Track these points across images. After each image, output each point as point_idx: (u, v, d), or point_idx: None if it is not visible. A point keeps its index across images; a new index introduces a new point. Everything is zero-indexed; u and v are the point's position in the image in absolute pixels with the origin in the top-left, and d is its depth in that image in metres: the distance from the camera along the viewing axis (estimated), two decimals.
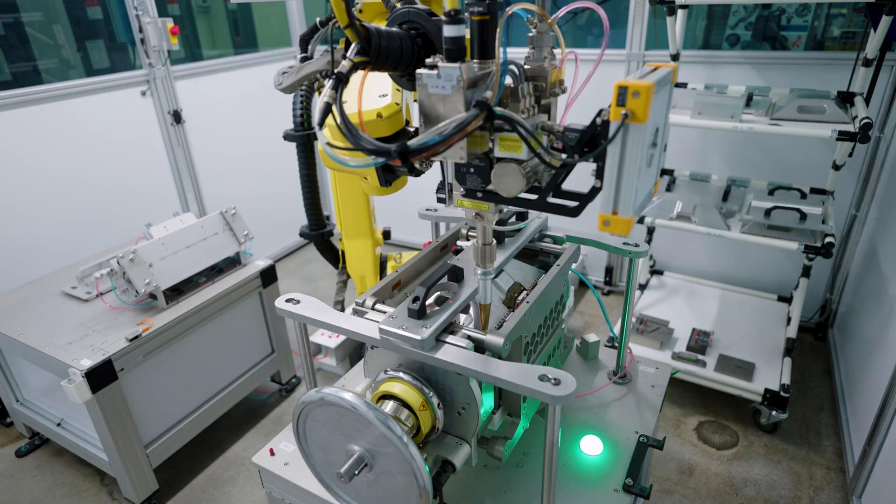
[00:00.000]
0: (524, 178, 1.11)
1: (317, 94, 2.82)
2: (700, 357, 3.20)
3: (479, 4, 1.02)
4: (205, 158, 4.24)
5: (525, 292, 1.57)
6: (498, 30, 1.04)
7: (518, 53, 1.31)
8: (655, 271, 4.14)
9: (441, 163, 1.30)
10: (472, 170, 1.16)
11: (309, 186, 3.07)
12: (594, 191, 1.05)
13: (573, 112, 1.27)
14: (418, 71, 1.04)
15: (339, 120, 1.00)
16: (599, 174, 1.01)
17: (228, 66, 4.32)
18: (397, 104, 1.43)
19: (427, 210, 1.93)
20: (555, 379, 1.16)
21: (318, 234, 3.19)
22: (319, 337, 3.64)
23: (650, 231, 3.90)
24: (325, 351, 3.66)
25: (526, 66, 1.21)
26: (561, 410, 1.68)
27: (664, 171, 3.71)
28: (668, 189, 3.47)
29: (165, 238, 2.76)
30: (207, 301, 2.82)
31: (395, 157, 0.98)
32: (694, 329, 3.43)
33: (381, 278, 2.76)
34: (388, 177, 1.45)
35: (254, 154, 4.65)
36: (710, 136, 3.71)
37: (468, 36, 1.05)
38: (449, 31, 1.01)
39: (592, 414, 1.70)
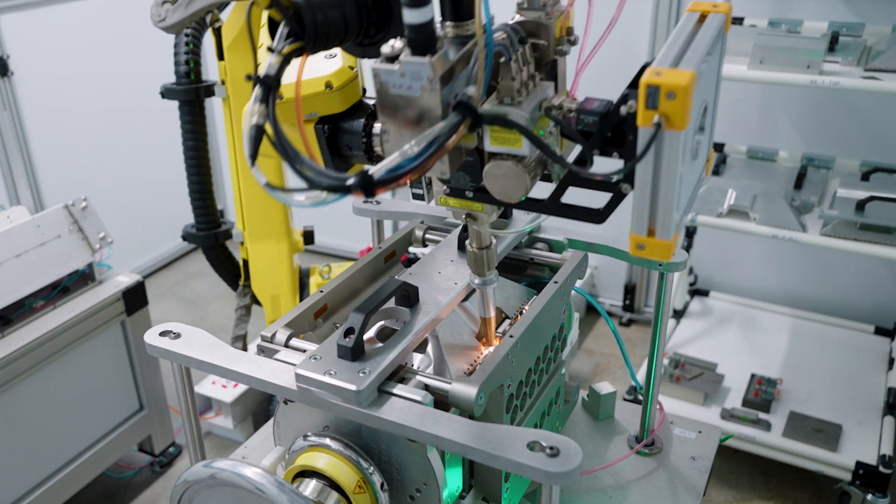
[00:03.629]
0: (528, 179, 1.13)
1: (210, 30, 2.83)
2: (762, 416, 3.25)
3: None
4: (43, 127, 4.19)
5: (508, 322, 1.57)
6: None
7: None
8: (697, 291, 4.19)
9: None
10: None
11: (197, 166, 3.06)
12: (619, 195, 1.08)
13: (591, 69, 1.29)
14: (373, 66, 1.05)
15: (279, 149, 1.00)
16: (629, 177, 1.04)
17: None
18: (352, 67, 1.43)
19: (366, 202, 1.93)
20: (551, 447, 1.17)
21: (210, 235, 3.18)
22: (209, 387, 3.63)
23: (690, 233, 3.94)
24: (218, 407, 3.63)
25: (519, 19, 1.22)
26: (560, 494, 1.68)
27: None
28: (717, 172, 3.52)
29: None
30: (46, 334, 2.79)
31: (357, 190, 0.99)
32: (753, 375, 3.47)
33: (300, 300, 2.75)
34: (339, 166, 1.44)
35: (115, 121, 4.62)
36: (777, 95, 3.77)
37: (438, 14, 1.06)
38: (410, 16, 1.02)
39: (606, 499, 1.71)
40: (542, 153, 1.09)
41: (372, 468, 1.34)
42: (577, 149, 1.14)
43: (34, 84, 4.10)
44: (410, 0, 1.00)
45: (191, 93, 2.93)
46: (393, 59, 1.05)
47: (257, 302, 3.29)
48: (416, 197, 1.36)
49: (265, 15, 1.60)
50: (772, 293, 4.13)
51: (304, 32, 1.05)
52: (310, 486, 1.34)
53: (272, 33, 1.08)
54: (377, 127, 1.32)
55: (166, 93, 2.96)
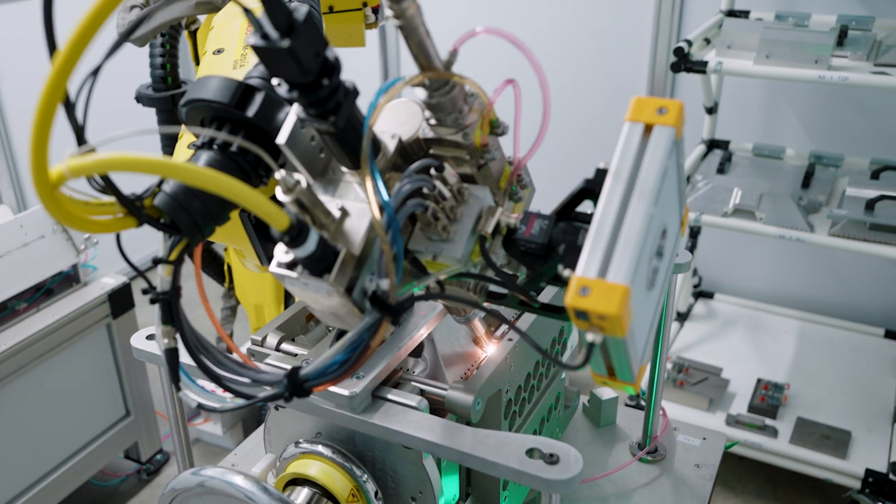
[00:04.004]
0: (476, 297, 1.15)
1: (185, 33, 2.82)
2: (769, 422, 3.25)
3: (322, 120, 0.97)
4: (26, 125, 4.18)
5: (505, 325, 1.57)
6: (365, 143, 0.97)
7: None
8: (702, 293, 4.20)
9: None
10: None
11: None
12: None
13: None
14: (271, 269, 1.03)
15: (203, 369, 1.05)
16: (568, 258, 1.01)
17: None
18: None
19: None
20: (550, 454, 1.17)
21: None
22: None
23: (694, 233, 3.94)
24: (207, 413, 3.62)
25: (431, 135, 1.14)
26: (560, 502, 1.69)
27: (715, 143, 3.76)
28: (721, 170, 3.52)
29: None
30: (29, 338, 2.79)
31: (289, 398, 1.02)
32: (759, 380, 3.48)
33: (285, 307, 2.75)
34: (269, 251, 1.44)
35: (101, 119, 4.60)
36: (784, 91, 3.77)
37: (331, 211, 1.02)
38: (297, 253, 0.97)
39: None
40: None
41: (366, 476, 1.34)
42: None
43: (17, 80, 4.10)
44: (289, 240, 0.95)
45: (167, 101, 2.90)
46: (291, 266, 1.02)
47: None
48: None
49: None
50: (778, 295, 4.13)
51: (182, 233, 1.02)
52: (301, 495, 1.34)
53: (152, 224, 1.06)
54: None
55: (141, 98, 2.91)
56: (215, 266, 3.28)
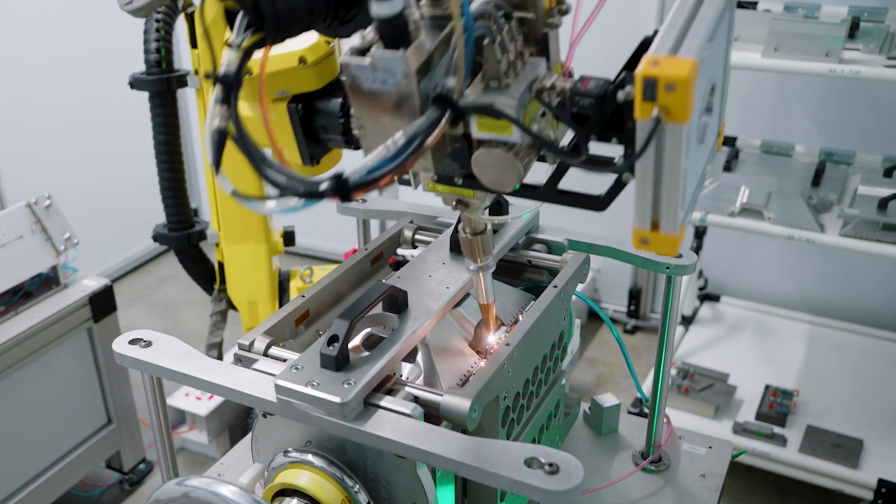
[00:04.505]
0: (520, 166, 1.13)
1: (182, 15, 2.83)
2: (777, 430, 3.25)
3: None
4: (4, 122, 4.18)
5: (504, 329, 1.57)
6: None
7: None
8: (708, 296, 4.20)
9: None
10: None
11: (168, 162, 3.05)
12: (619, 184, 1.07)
13: (591, 40, 1.26)
14: (342, 59, 1.03)
15: (244, 151, 1.00)
16: (630, 164, 1.01)
17: None
18: (328, 41, 1.44)
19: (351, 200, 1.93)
20: (550, 464, 1.17)
21: (182, 235, 3.17)
22: (183, 399, 3.63)
23: (700, 234, 3.95)
24: (192, 421, 3.63)
25: None
26: None
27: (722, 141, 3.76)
28: (728, 167, 3.53)
29: None
30: (7, 342, 2.78)
31: (331, 195, 0.99)
32: (768, 387, 3.48)
33: (280, 306, 2.74)
34: (314, 151, 1.47)
35: (82, 116, 4.61)
36: (793, 85, 3.78)
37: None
38: (379, 8, 1.00)
39: None
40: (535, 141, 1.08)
41: (357, 486, 1.34)
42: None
43: None
44: None
45: (162, 83, 2.92)
46: (363, 51, 1.03)
47: (234, 307, 3.28)
48: (402, 182, 1.35)
49: None
50: (787, 298, 4.14)
51: (263, 23, 1.03)
52: None
53: (230, 24, 1.07)
54: None
55: (136, 83, 2.94)
56: (204, 269, 3.28)
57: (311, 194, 0.99)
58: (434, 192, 1.26)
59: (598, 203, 1.12)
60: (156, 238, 3.19)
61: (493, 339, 1.56)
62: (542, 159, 1.19)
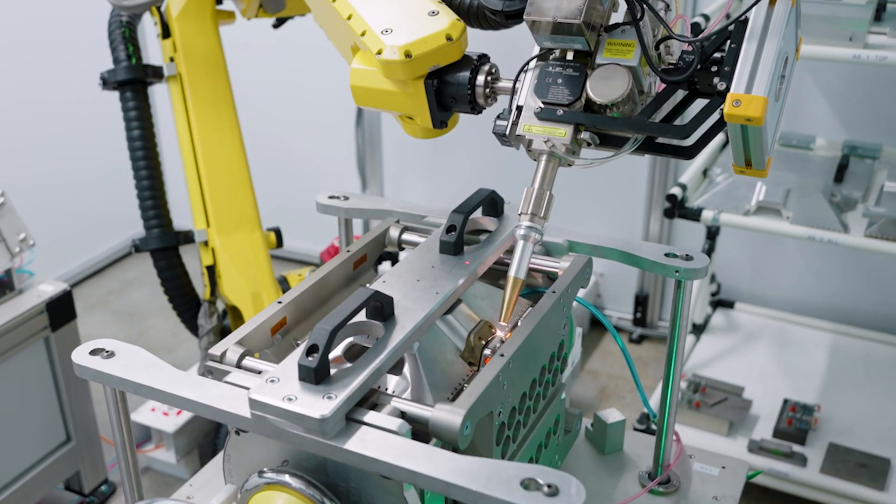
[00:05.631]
0: (630, 80, 1.43)
1: (151, 11, 2.91)
2: (797, 449, 3.26)
3: None
4: None
5: (499, 337, 1.57)
6: None
7: None
8: (721, 302, 4.21)
9: (514, 84, 1.60)
10: (559, 80, 1.49)
11: (146, 158, 3.10)
12: (718, 126, 1.42)
13: None
14: None
15: None
16: (724, 73, 1.39)
17: None
18: (458, 18, 1.68)
19: (331, 198, 1.93)
20: (549, 485, 1.17)
21: (169, 234, 3.17)
22: (148, 415, 3.63)
23: (712, 234, 3.94)
24: (159, 438, 3.63)
25: None
26: None
27: None
28: None
29: None
30: None
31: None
32: (786, 401, 3.49)
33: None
34: (443, 115, 1.71)
35: (38, 113, 4.61)
36: (814, 73, 3.78)
37: None
38: None
39: None
40: (650, 67, 1.44)
41: None
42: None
43: None
44: None
45: (139, 70, 2.97)
46: None
47: (226, 323, 3.30)
48: (497, 132, 1.59)
49: None
50: (808, 304, 4.14)
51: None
52: None
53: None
54: (480, 79, 1.62)
55: (109, 77, 3.00)
56: (184, 280, 3.28)
57: None
58: (528, 133, 1.50)
59: (687, 152, 1.45)
60: (137, 247, 3.19)
61: (500, 332, 1.60)
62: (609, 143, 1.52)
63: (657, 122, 1.48)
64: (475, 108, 1.65)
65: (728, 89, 1.37)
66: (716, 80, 1.41)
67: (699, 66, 1.43)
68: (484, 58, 1.66)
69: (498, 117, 1.62)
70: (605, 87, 1.44)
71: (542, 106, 1.50)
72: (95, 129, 4.47)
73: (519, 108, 1.54)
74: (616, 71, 1.44)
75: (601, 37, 1.47)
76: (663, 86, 1.49)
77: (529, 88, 1.54)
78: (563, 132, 1.49)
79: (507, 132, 1.55)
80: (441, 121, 1.73)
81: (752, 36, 1.38)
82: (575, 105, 1.47)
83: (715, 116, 1.43)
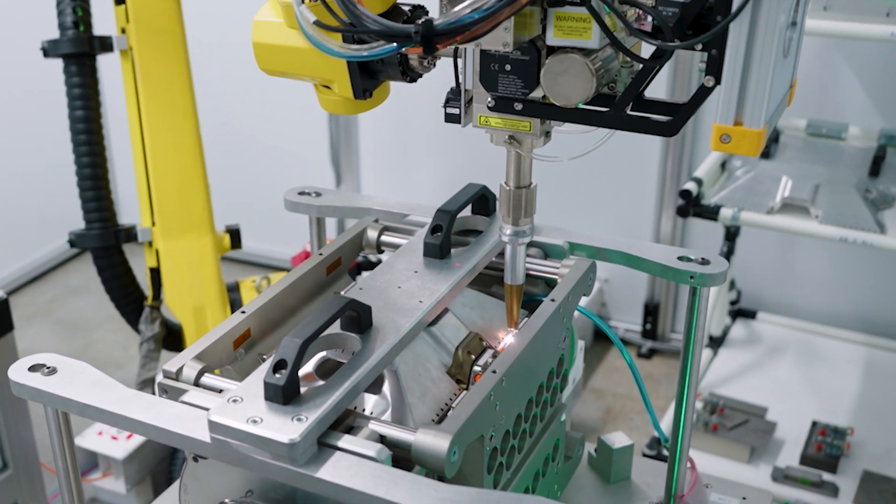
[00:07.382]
0: (593, 78, 1.28)
1: None
2: (827, 477, 3.27)
3: None
4: None
5: (490, 352, 1.58)
6: None
7: None
8: (741, 312, 4.22)
9: (455, 59, 1.47)
10: (508, 67, 1.35)
11: (88, 143, 3.07)
12: (702, 93, 1.25)
13: None
14: None
15: (343, 8, 1.17)
16: (713, 68, 1.21)
17: None
18: None
19: (301, 195, 1.94)
20: None
21: (108, 232, 3.16)
22: (95, 439, 3.62)
23: (731, 235, 3.95)
24: (107, 466, 3.63)
25: None
26: None
27: None
28: (766, 154, 3.54)
29: None
30: None
31: (417, 42, 1.13)
32: (815, 423, 3.49)
33: (232, 312, 2.75)
34: (367, 84, 1.57)
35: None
36: (846, 53, 3.79)
37: None
38: None
39: None
40: (612, 46, 1.25)
41: None
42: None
43: None
44: None
45: (83, 43, 2.94)
46: None
47: (170, 330, 3.29)
48: (449, 118, 1.49)
49: None
50: (839, 314, 4.15)
51: None
52: None
53: None
54: None
55: (50, 48, 2.97)
56: (129, 283, 3.27)
57: (396, 35, 1.17)
58: (485, 129, 1.43)
59: (667, 128, 1.31)
60: (73, 242, 3.17)
61: (510, 338, 1.60)
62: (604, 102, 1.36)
63: (639, 117, 1.34)
64: (408, 75, 1.50)
65: (718, 83, 1.22)
66: (700, 64, 1.23)
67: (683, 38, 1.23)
68: (420, 9, 1.50)
69: (447, 101, 1.53)
70: (561, 85, 1.30)
71: (493, 101, 1.40)
72: (37, 116, 4.46)
73: (469, 93, 1.45)
74: (573, 63, 1.28)
75: (547, 11, 1.27)
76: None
77: (474, 74, 1.41)
78: (527, 125, 1.42)
79: (462, 123, 1.47)
80: (365, 89, 1.58)
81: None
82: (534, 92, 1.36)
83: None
